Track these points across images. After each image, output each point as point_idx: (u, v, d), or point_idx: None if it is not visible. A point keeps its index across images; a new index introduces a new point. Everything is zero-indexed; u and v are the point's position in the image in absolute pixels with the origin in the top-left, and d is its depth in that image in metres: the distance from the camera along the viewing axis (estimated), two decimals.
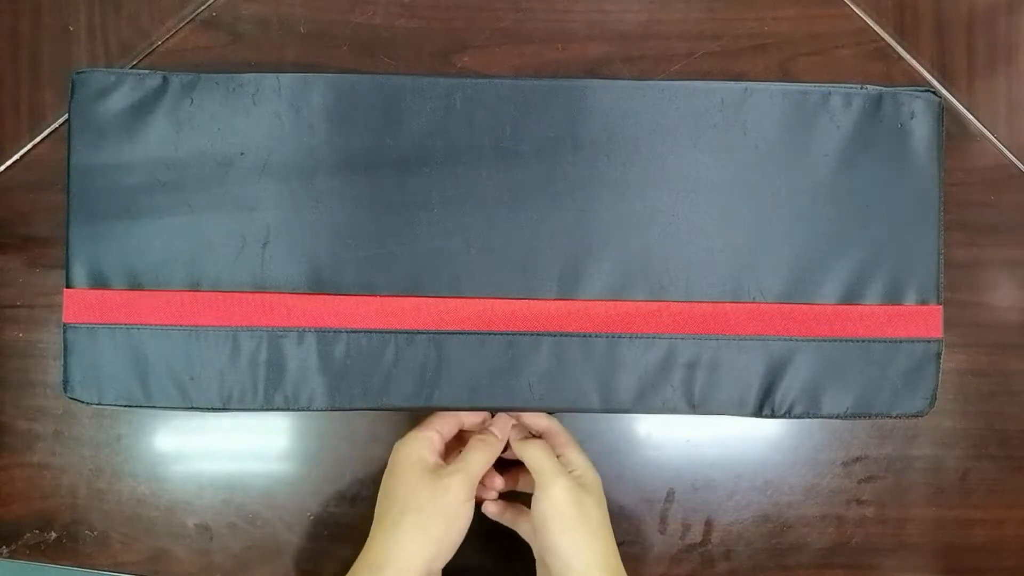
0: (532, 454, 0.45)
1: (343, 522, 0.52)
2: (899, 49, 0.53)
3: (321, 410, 0.44)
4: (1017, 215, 0.52)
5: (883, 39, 0.53)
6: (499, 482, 0.49)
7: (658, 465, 0.52)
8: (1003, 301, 0.52)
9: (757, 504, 0.52)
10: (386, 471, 0.45)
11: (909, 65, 0.53)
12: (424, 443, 0.44)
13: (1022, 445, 0.52)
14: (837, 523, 0.52)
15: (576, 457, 0.46)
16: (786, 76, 0.52)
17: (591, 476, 0.45)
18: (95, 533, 0.52)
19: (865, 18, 0.53)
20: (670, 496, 0.52)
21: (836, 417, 0.44)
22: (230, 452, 0.52)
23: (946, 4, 0.53)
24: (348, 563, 0.43)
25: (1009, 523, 0.52)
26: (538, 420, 0.48)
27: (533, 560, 0.46)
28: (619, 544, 0.52)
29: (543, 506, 0.43)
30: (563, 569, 0.42)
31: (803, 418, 0.44)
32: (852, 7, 0.53)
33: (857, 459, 0.52)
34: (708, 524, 0.52)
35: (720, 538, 0.52)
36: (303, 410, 0.44)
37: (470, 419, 0.48)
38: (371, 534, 0.43)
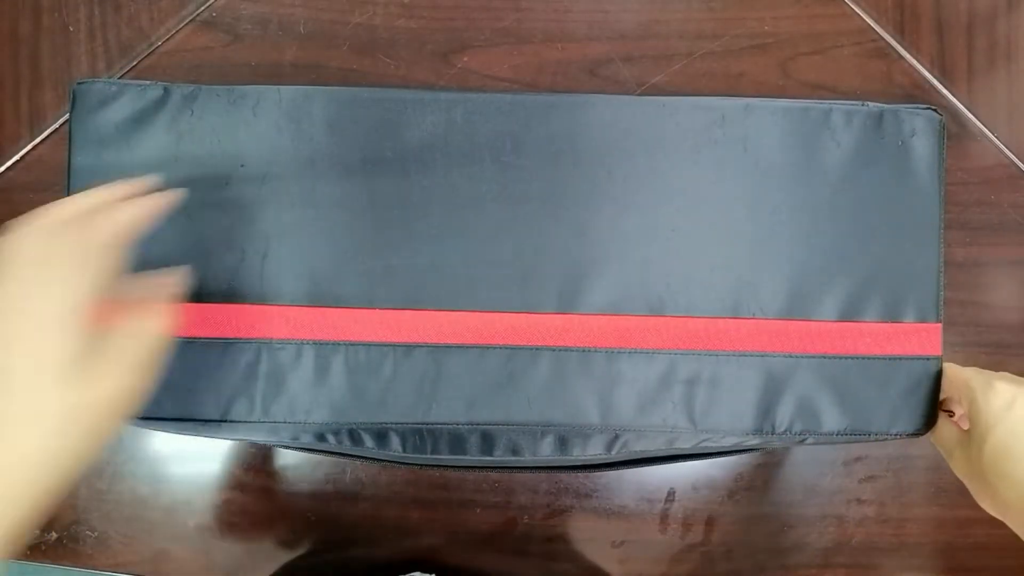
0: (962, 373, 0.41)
1: (343, 522, 0.52)
2: (899, 49, 0.53)
3: (318, 423, 0.43)
4: (1017, 215, 0.52)
5: (883, 38, 0.53)
6: None
7: (658, 464, 0.52)
8: (1003, 300, 0.52)
9: (758, 504, 0.52)
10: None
11: (909, 64, 0.53)
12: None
13: None
14: (838, 523, 0.52)
15: None
16: (786, 75, 0.52)
17: None
18: (95, 534, 0.52)
19: (865, 17, 0.53)
20: (671, 496, 0.52)
21: (836, 434, 0.44)
22: (230, 452, 0.52)
23: (946, 4, 0.53)
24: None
25: None
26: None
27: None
28: (619, 544, 0.52)
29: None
30: None
31: (803, 437, 0.43)
32: (852, 6, 0.53)
33: (857, 458, 0.52)
34: (709, 524, 0.52)
35: (721, 538, 0.52)
36: (300, 424, 0.43)
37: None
38: None
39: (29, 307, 0.30)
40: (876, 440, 0.44)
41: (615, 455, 0.45)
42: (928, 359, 0.44)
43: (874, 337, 0.44)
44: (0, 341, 0.30)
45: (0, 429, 0.29)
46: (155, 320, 0.35)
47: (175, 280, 0.38)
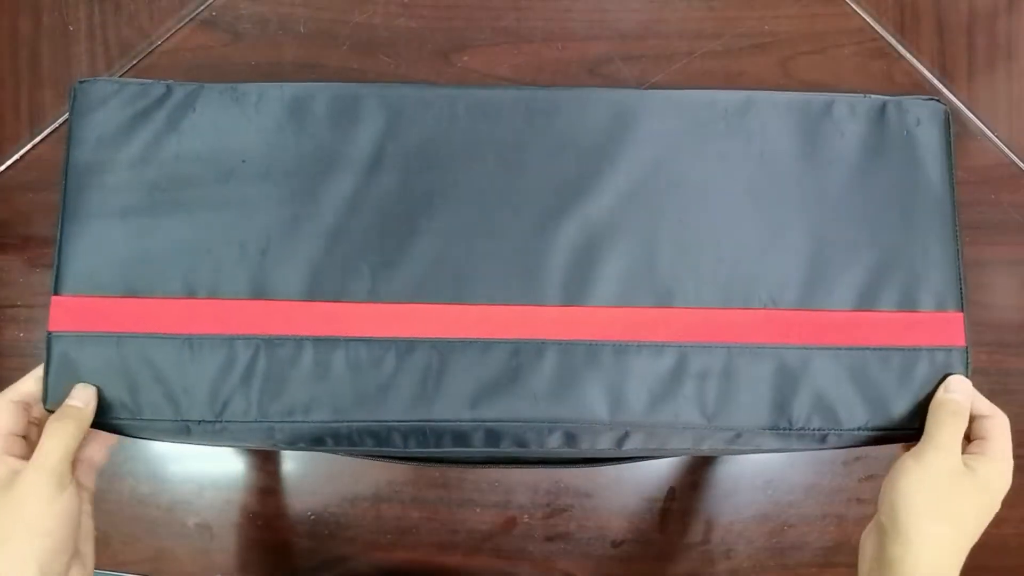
0: (947, 402, 0.41)
1: (343, 522, 0.52)
2: (899, 48, 0.53)
3: (317, 423, 0.42)
4: (1017, 214, 0.52)
5: (883, 38, 0.53)
6: None
7: (659, 464, 0.52)
8: (1003, 300, 0.52)
9: (758, 503, 0.52)
10: None
11: (909, 64, 0.53)
12: None
13: (1022, 444, 0.52)
14: (838, 522, 0.52)
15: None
16: (786, 75, 0.52)
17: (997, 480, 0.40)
18: (96, 533, 0.52)
19: (865, 17, 0.53)
20: (671, 495, 0.52)
21: (858, 429, 0.42)
22: (230, 452, 0.52)
23: (946, 3, 0.53)
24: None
25: (1009, 522, 0.52)
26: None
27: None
28: (619, 543, 0.52)
29: (910, 469, 0.39)
30: (900, 560, 0.38)
31: (824, 433, 0.41)
32: (852, 6, 0.53)
33: (857, 458, 0.52)
34: (708, 523, 0.52)
35: (720, 537, 0.52)
36: (299, 423, 0.42)
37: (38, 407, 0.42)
38: None
39: None
40: (902, 435, 0.42)
41: (624, 452, 0.44)
42: (951, 350, 0.43)
43: (891, 327, 0.43)
44: None
45: None
46: None
47: None
